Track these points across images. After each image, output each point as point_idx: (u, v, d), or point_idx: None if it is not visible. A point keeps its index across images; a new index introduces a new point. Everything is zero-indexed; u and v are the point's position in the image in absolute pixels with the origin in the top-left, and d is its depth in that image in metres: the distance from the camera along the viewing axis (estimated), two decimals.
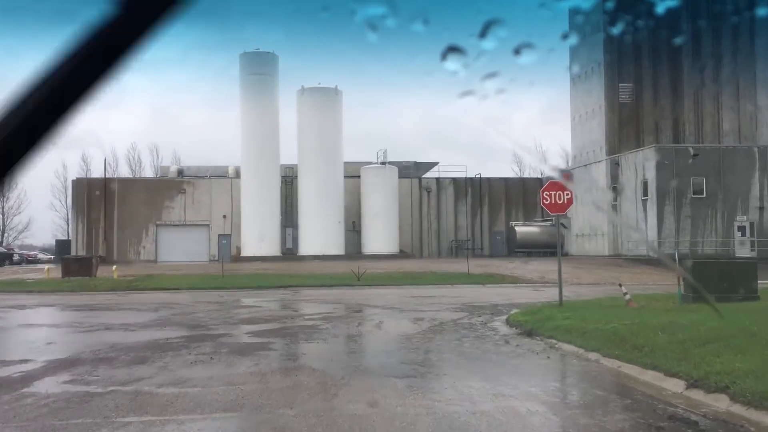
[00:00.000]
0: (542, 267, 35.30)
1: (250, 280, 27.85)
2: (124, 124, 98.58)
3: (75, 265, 29.45)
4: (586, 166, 44.51)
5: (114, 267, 29.89)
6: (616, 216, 41.61)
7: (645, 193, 37.46)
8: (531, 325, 11.09)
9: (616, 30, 34.63)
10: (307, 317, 14.17)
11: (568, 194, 13.35)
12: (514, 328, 11.51)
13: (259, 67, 46.38)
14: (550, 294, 21.23)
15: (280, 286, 24.80)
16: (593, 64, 42.58)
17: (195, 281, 27.27)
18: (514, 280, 27.72)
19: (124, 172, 67.23)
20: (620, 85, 41.94)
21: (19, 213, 75.30)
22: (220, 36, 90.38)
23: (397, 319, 13.58)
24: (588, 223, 44.13)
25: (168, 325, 12.78)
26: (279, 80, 47.59)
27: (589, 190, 44.24)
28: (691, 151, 36.29)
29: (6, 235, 76.50)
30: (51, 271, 31.00)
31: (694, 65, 41.65)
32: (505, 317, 13.65)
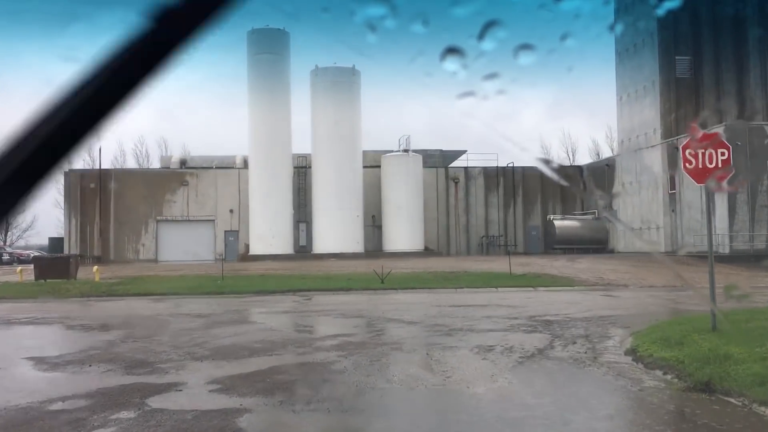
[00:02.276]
0: (595, 266, 30.59)
1: (253, 282, 23.38)
2: (132, 124, 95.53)
3: (50, 266, 25.15)
4: (636, 151, 39.43)
5: (95, 268, 25.56)
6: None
7: None
8: (699, 371, 6.36)
9: None
10: (316, 344, 9.55)
11: (724, 154, 8.57)
12: (659, 373, 6.82)
13: (269, 46, 41.85)
14: (633, 302, 16.47)
15: (288, 290, 20.26)
16: (644, 35, 37.54)
17: (188, 284, 22.83)
18: (569, 282, 22.80)
19: (132, 167, 63.33)
20: (677, 57, 36.84)
21: (23, 211, 71.76)
22: (223, 37, 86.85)
23: (451, 348, 8.91)
24: (639, 215, 39.08)
25: (99, 360, 8.24)
26: (290, 61, 43.07)
27: (639, 178, 39.17)
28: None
29: (10, 233, 73.15)
30: (26, 272, 26.70)
31: (761, 33, 36.40)
32: (614, 344, 9.00)
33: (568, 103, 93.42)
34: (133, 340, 10.11)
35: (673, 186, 35.87)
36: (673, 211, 35.95)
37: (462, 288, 20.84)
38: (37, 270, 24.89)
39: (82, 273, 26.72)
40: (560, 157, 64.62)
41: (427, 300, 17.29)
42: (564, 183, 46.19)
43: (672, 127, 36.76)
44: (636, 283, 22.70)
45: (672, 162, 36.00)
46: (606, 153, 59.36)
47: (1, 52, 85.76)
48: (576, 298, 17.47)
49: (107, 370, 7.55)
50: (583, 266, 30.46)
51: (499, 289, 20.69)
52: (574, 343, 9.26)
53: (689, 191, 34.40)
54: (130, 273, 30.13)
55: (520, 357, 8.11)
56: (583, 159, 61.05)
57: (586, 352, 8.41)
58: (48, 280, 24.10)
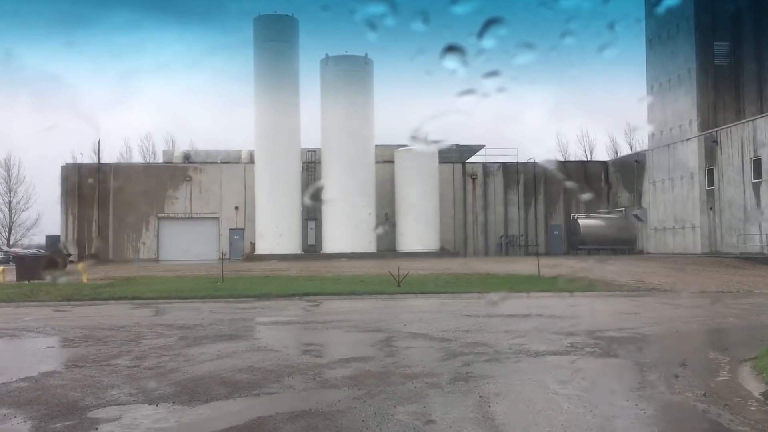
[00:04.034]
0: (629, 268, 28.04)
1: (256, 285, 20.99)
2: (139, 124, 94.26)
3: (33, 266, 22.93)
4: (668, 145, 36.70)
5: (82, 267, 23.27)
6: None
7: (758, 173, 29.65)
8: None
9: None
10: (321, 374, 7.08)
11: None
12: None
13: (277, 33, 39.51)
14: (702, 312, 13.83)
15: (293, 294, 17.84)
16: (679, 20, 34.84)
17: (184, 286, 20.51)
18: (608, 287, 20.16)
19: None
20: (715, 44, 34.10)
21: (28, 209, 69.80)
22: (227, 39, 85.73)
23: (509, 384, 6.45)
24: (672, 214, 36.37)
25: (15, 401, 5.85)
26: (299, 49, 40.67)
27: (672, 173, 36.44)
28: None
29: (13, 232, 71.25)
30: (8, 272, 24.46)
31: None
32: (731, 377, 6.53)
33: (576, 102, 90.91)
34: (82, 365, 7.72)
35: (711, 182, 33.16)
36: (711, 209, 33.22)
37: (488, 292, 18.33)
38: (20, 270, 22.70)
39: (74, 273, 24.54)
40: (577, 155, 61.93)
41: (454, 307, 14.83)
42: (568, 183, 43.42)
43: (710, 118, 34.04)
44: (684, 287, 20.09)
45: (710, 155, 33.31)
46: (624, 150, 56.68)
47: (2, 53, 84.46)
48: (628, 306, 14.91)
49: (13, 422, 5.13)
50: (616, 268, 27.88)
51: (531, 294, 18.17)
52: (676, 376, 6.76)
53: (730, 187, 31.72)
54: (124, 273, 27.91)
55: (617, 403, 5.62)
56: (601, 157, 58.36)
57: (705, 395, 5.90)
58: (32, 281, 21.93)
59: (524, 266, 28.39)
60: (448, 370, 7.21)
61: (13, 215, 69.98)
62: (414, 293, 17.91)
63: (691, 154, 34.53)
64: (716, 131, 32.84)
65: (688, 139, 34.92)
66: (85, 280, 22.44)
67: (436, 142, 32.27)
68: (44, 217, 69.48)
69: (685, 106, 35.03)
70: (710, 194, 33.21)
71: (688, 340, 9.80)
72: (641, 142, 56.06)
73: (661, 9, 35.51)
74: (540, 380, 6.52)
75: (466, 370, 7.17)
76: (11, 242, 66.53)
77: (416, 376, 6.81)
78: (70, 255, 27.00)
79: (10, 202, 69.37)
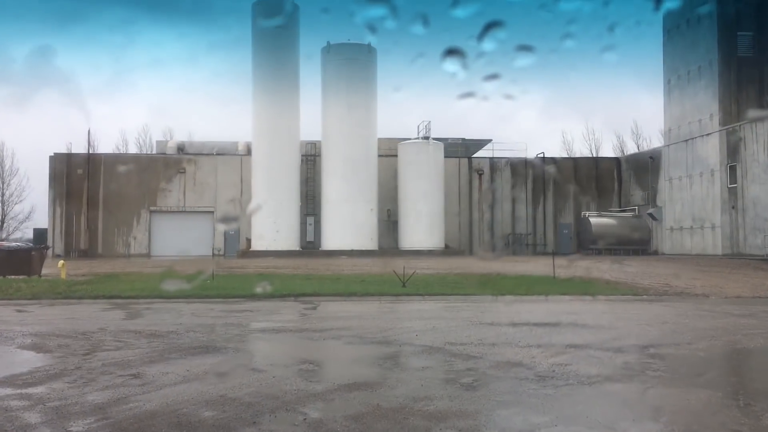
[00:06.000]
0: (648, 269, 26.40)
1: (249, 283, 19.20)
2: (137, 121, 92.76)
3: (7, 261, 21.14)
4: (687, 141, 34.88)
5: (61, 263, 21.51)
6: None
7: None
8: None
9: None
10: (315, 411, 5.29)
11: None
12: None
13: (276, 18, 37.67)
14: (752, 320, 12.15)
15: (289, 294, 16.11)
16: (700, 9, 33.02)
17: None
18: (632, 290, 18.33)
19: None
20: (738, 34, 32.29)
21: (21, 201, 67.98)
22: (221, 36, 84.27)
23: None
24: (690, 213, 34.56)
25: None
26: (300, 37, 38.88)
27: (691, 170, 34.63)
28: None
29: (6, 225, 69.50)
30: None
31: None
32: None
33: (577, 101, 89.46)
34: (5, 390, 5.95)
35: (734, 179, 31.35)
36: (733, 207, 31.43)
37: (503, 295, 16.54)
38: None
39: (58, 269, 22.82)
40: (583, 153, 60.15)
41: (468, 312, 13.08)
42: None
43: (732, 112, 32.23)
44: (715, 292, 18.31)
45: (733, 151, 31.49)
46: (632, 148, 54.93)
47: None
48: (667, 314, 13.13)
49: None
50: (634, 269, 26.19)
51: (550, 297, 16.42)
52: None
53: (755, 185, 29.92)
54: (109, 269, 26.18)
55: None
56: (609, 155, 56.46)
57: None
58: (7, 277, 20.21)
59: (535, 266, 26.71)
60: (484, 406, 5.42)
61: (5, 208, 68.22)
62: (421, 295, 16.18)
63: (712, 149, 32.74)
64: (740, 125, 31.04)
65: (708, 134, 33.11)
66: (63, 276, 20.70)
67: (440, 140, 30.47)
68: (38, 210, 67.73)
69: (705, 99, 33.24)
70: (732, 192, 31.42)
71: (766, 359, 8.04)
72: (649, 141, 54.32)
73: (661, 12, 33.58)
74: (616, 426, 4.74)
75: (509, 406, 5.39)
76: (4, 235, 64.81)
77: (443, 416, 5.03)
78: (48, 248, 25.21)
79: (2, 194, 67.62)
